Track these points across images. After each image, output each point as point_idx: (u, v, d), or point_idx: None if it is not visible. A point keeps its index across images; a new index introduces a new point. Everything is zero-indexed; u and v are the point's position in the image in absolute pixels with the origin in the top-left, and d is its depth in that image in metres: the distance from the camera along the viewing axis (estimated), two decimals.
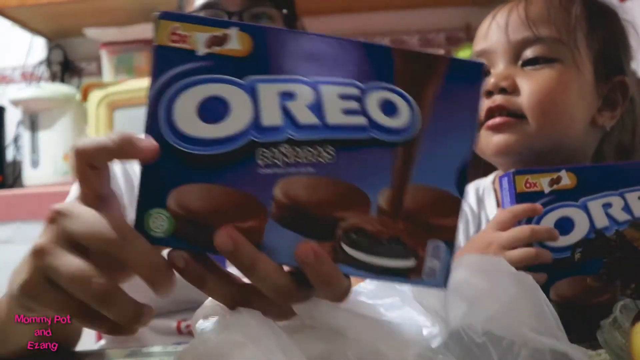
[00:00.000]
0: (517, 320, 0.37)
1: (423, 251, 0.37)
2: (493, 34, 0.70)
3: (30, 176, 1.61)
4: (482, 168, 0.78)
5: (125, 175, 0.82)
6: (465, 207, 0.75)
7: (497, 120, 0.66)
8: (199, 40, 0.35)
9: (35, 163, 1.60)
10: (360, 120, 0.36)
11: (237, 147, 0.35)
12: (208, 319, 0.38)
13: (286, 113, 0.35)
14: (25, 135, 1.62)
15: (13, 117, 1.76)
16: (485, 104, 0.67)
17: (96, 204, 0.36)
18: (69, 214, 0.36)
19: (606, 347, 0.40)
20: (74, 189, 0.82)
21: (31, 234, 0.81)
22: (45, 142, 1.59)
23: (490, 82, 0.66)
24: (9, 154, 1.80)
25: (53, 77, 1.86)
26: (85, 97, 1.46)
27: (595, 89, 0.70)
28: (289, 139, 0.35)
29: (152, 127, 0.35)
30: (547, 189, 0.55)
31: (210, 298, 0.39)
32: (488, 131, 0.67)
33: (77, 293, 0.35)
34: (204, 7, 0.80)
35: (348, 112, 0.35)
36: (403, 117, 0.36)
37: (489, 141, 0.67)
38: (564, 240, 0.55)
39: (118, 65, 1.66)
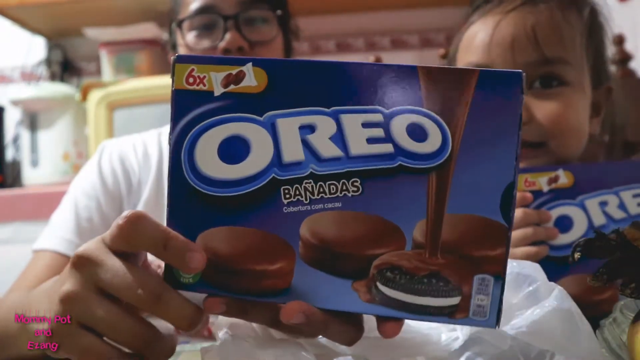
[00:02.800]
0: (549, 329, 0.36)
1: (468, 287, 0.33)
2: (495, 50, 0.66)
3: (30, 176, 1.60)
4: None
5: (123, 170, 0.82)
6: None
7: None
8: (215, 80, 0.35)
9: (34, 163, 1.59)
10: (386, 148, 0.33)
11: (260, 186, 0.34)
12: (233, 321, 0.39)
13: (307, 147, 0.34)
14: (25, 135, 1.61)
15: (12, 117, 1.76)
16: None
17: (124, 255, 0.37)
18: (99, 263, 0.36)
19: (606, 347, 0.40)
20: (83, 179, 0.81)
21: (30, 234, 0.80)
22: (44, 142, 1.59)
23: None
24: (9, 154, 1.80)
25: (52, 77, 1.85)
26: (84, 97, 1.46)
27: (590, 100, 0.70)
28: (312, 174, 0.34)
29: (175, 171, 0.35)
30: (545, 188, 0.57)
31: None
32: None
33: (118, 339, 0.36)
34: (199, 11, 0.80)
35: (372, 140, 0.33)
36: (433, 141, 0.33)
37: None
38: (564, 238, 0.56)
39: (118, 65, 1.65)
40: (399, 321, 0.35)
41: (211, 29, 0.80)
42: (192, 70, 0.35)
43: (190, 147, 0.35)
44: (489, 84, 0.33)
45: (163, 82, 1.41)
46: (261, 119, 0.34)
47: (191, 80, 0.35)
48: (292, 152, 0.34)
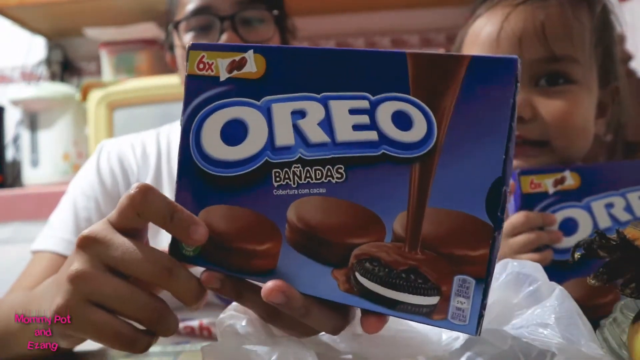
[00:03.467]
0: (549, 329, 0.36)
1: (447, 287, 0.31)
2: (503, 45, 0.65)
3: (30, 176, 1.60)
4: None
5: (122, 170, 0.82)
6: None
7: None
8: (221, 66, 0.37)
9: (34, 163, 1.59)
10: (370, 135, 0.33)
11: (254, 168, 0.35)
12: (234, 320, 0.39)
13: (298, 132, 0.35)
14: (25, 135, 1.61)
15: (13, 116, 1.76)
16: None
17: (129, 233, 0.37)
18: (106, 242, 0.37)
19: (606, 347, 0.40)
20: (83, 178, 0.81)
21: (30, 234, 0.80)
22: (44, 141, 1.59)
23: None
24: (9, 154, 1.80)
25: (53, 77, 1.85)
26: (84, 96, 1.46)
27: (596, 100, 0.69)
28: (301, 158, 0.34)
29: (184, 151, 0.37)
30: (551, 190, 0.56)
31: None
32: None
33: (130, 314, 0.37)
34: (196, 12, 0.80)
35: (358, 127, 0.33)
36: (417, 130, 0.32)
37: None
38: (568, 242, 0.55)
39: (118, 65, 1.65)
40: (382, 317, 0.34)
41: (208, 30, 0.80)
42: (203, 56, 0.37)
43: (198, 129, 0.37)
44: (481, 71, 0.31)
45: (163, 82, 1.41)
46: (259, 103, 0.35)
47: (201, 66, 0.37)
48: (284, 136, 0.35)
